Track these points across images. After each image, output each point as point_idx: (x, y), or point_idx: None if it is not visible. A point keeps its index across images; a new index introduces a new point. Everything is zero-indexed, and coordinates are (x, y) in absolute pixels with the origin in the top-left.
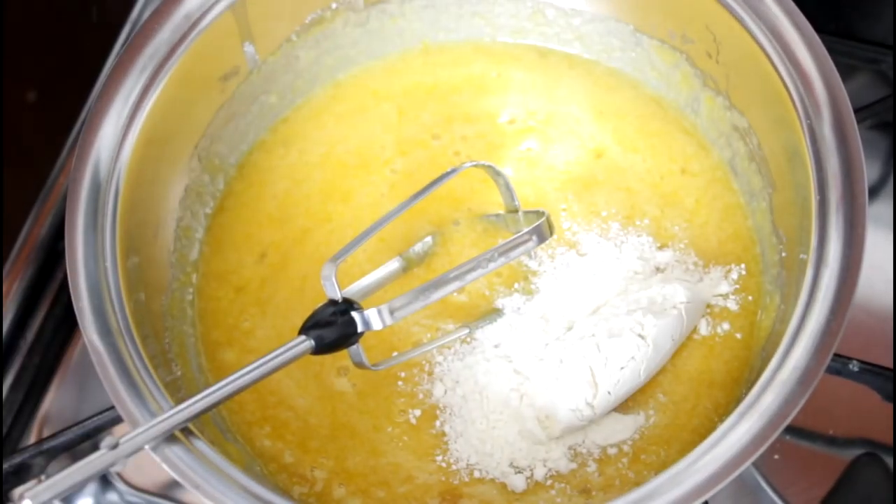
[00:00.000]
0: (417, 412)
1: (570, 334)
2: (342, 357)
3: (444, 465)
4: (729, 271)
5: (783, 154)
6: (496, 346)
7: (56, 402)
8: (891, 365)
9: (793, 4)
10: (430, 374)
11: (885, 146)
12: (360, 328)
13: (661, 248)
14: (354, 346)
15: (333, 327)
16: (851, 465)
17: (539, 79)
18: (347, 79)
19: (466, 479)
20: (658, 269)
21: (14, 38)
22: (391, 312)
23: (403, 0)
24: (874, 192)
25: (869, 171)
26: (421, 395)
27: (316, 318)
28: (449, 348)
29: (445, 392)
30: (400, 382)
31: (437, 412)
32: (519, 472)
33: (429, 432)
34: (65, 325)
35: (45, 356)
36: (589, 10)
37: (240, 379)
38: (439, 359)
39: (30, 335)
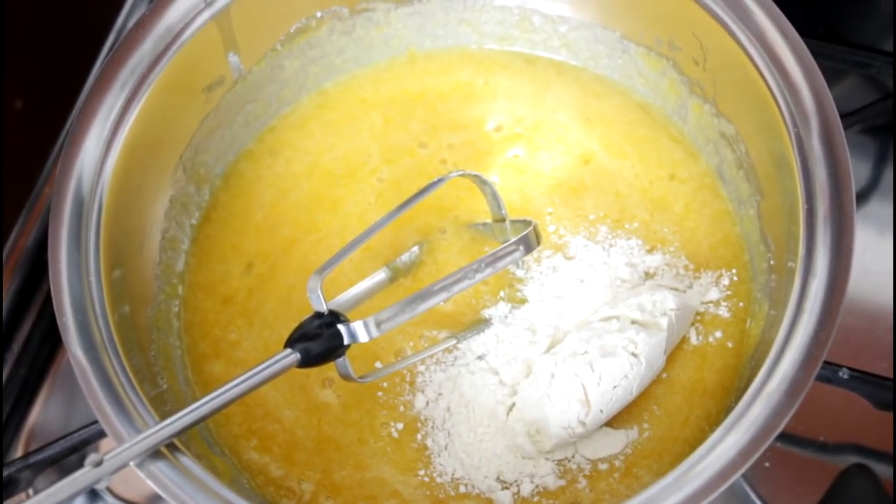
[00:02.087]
0: (400, 425)
1: (561, 349)
2: (327, 369)
3: (426, 479)
4: (720, 276)
5: (771, 161)
6: (480, 358)
7: (43, 415)
8: (880, 371)
9: (779, 11)
10: (412, 384)
11: (874, 150)
12: (346, 341)
13: (650, 251)
14: (341, 359)
15: (319, 340)
16: (841, 476)
17: (526, 86)
18: (334, 87)
19: (452, 494)
20: (647, 275)
21: (2, 47)
22: (377, 325)
23: (389, 8)
24: (864, 196)
25: (858, 176)
26: (402, 408)
27: (302, 331)
28: (431, 357)
29: (427, 404)
30: (380, 393)
31: (419, 425)
32: (506, 488)
33: (411, 446)
34: (51, 337)
35: (31, 368)
36: (575, 17)
37: (225, 393)
38: (421, 368)
39: (16, 347)
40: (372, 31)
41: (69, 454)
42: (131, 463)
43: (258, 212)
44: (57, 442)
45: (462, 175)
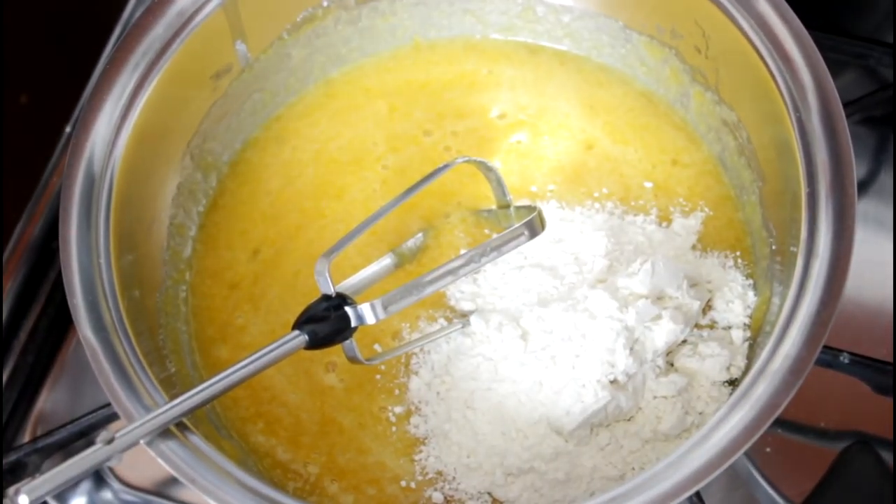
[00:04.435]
0: (398, 409)
1: (555, 330)
2: (331, 353)
3: (424, 463)
4: (725, 258)
5: (773, 147)
6: (473, 338)
7: (50, 401)
8: (881, 357)
9: None
10: (407, 366)
11: (873, 141)
12: (353, 323)
13: (658, 225)
14: (348, 341)
15: (327, 322)
16: (843, 454)
17: (529, 75)
18: (339, 76)
19: (450, 477)
20: (651, 248)
21: (7, 42)
22: (384, 307)
23: None
24: (862, 187)
25: (857, 167)
26: (397, 391)
27: (310, 313)
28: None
29: (422, 387)
30: (378, 376)
31: (413, 408)
32: (510, 475)
33: (408, 430)
34: (59, 325)
35: (39, 355)
36: (578, 6)
37: (235, 374)
38: (415, 350)
39: (24, 334)
40: (377, 20)
41: (76, 439)
42: (142, 441)
43: (264, 199)
44: (64, 427)
45: (467, 161)
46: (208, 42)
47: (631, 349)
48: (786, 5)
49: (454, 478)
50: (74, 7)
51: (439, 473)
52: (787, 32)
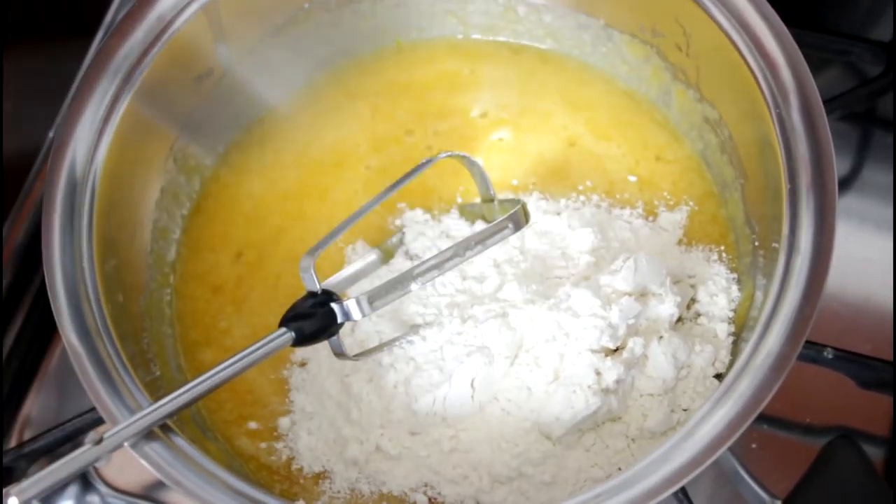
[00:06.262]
0: None
1: (537, 333)
2: (307, 355)
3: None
4: (709, 251)
5: (754, 144)
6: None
7: (36, 406)
8: (866, 352)
9: None
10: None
11: (855, 137)
12: (339, 319)
13: (644, 220)
14: (335, 337)
15: (313, 319)
16: (825, 449)
17: (512, 74)
18: (321, 78)
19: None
20: (637, 245)
21: None
22: (370, 302)
23: None
24: (844, 183)
25: (839, 163)
26: None
27: (296, 311)
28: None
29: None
30: None
31: None
32: (496, 482)
33: None
34: (44, 330)
35: (24, 360)
36: (560, 6)
37: (222, 372)
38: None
39: (9, 340)
40: (359, 22)
41: (63, 443)
42: (126, 444)
43: (247, 201)
44: (50, 431)
45: (449, 156)
46: (190, 46)
47: (618, 352)
48: (766, 3)
49: (438, 483)
50: (57, 11)
51: (424, 484)
52: (768, 30)
